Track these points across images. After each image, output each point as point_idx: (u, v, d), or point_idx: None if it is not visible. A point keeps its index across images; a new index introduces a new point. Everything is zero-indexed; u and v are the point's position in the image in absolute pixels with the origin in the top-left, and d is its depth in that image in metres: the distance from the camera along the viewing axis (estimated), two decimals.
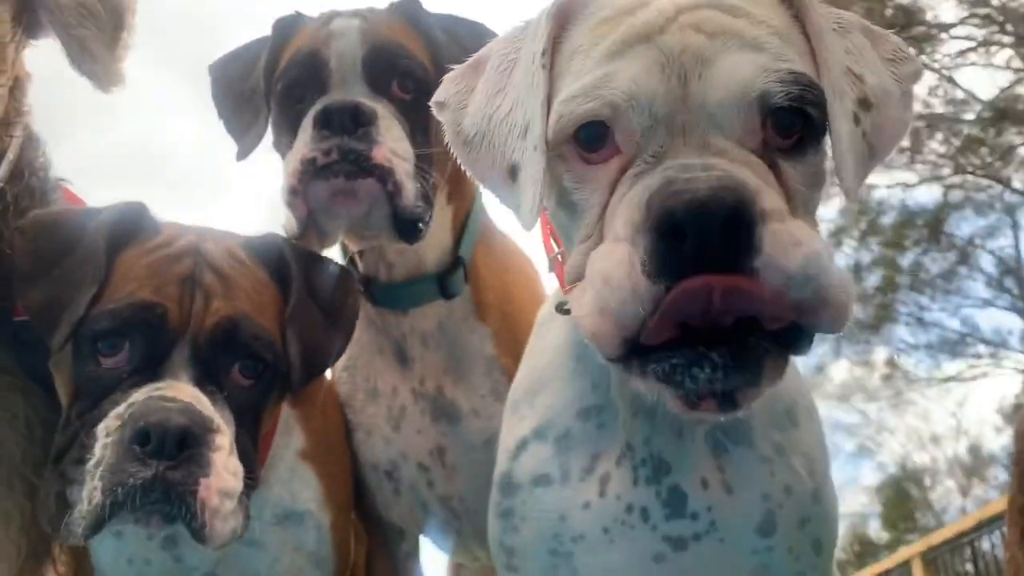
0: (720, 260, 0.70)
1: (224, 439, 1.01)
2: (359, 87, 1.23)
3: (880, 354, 24.26)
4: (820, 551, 1.02)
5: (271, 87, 1.31)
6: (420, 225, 1.22)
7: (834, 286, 0.73)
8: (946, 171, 18.09)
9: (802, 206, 0.81)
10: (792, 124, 0.81)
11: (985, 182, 17.97)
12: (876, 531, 24.11)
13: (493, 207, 1.44)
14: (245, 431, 1.07)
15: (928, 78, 16.88)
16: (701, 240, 0.70)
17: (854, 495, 26.30)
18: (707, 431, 0.97)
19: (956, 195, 18.59)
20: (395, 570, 1.43)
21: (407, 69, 1.26)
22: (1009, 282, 23.42)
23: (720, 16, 0.81)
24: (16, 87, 1.21)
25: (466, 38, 1.32)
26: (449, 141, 0.95)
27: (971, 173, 17.69)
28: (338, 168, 1.16)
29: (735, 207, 0.70)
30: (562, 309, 0.95)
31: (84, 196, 1.41)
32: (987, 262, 24.55)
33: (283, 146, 1.28)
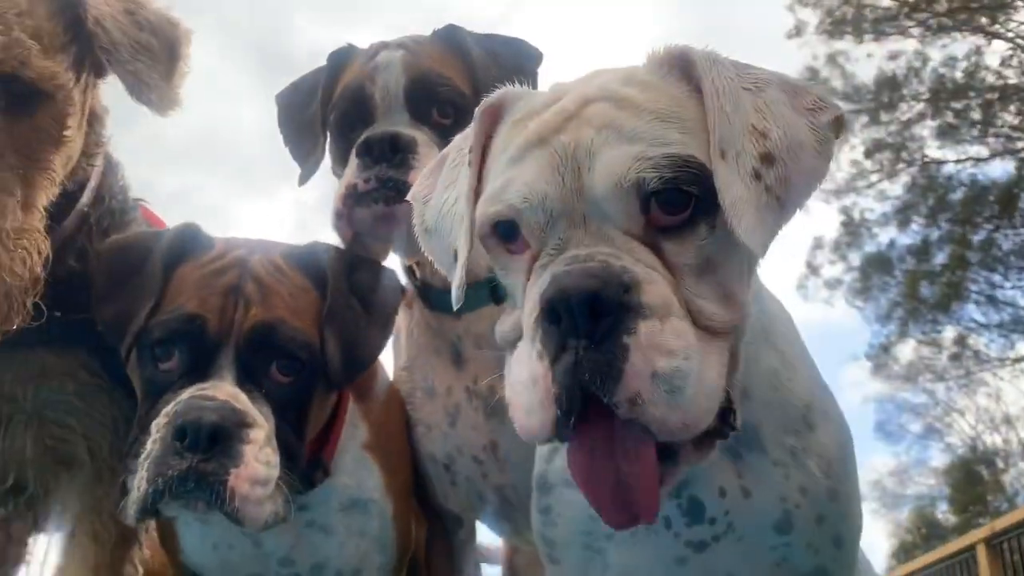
0: (595, 340, 0.79)
1: (258, 432, 1.11)
2: (401, 117, 1.33)
3: (948, 333, 23.64)
4: (840, 545, 1.09)
5: (327, 117, 1.41)
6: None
7: (683, 402, 0.80)
8: (1020, 144, 17.54)
9: (698, 273, 0.86)
10: (677, 202, 0.86)
11: None
12: (944, 513, 23.64)
13: None
14: (288, 424, 1.17)
15: (1000, 47, 16.34)
16: (572, 321, 0.80)
17: (922, 477, 25.75)
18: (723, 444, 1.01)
19: None
20: (453, 554, 1.53)
21: (446, 97, 1.36)
22: None
23: (608, 109, 0.88)
24: (95, 121, 1.33)
25: (505, 57, 1.40)
26: (416, 234, 1.05)
27: None
28: (377, 195, 1.27)
29: (597, 292, 0.79)
30: None
31: (152, 182, 1.54)
32: None
33: (338, 172, 1.39)
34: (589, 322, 0.79)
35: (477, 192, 0.96)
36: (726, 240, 0.87)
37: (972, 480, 22.04)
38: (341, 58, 1.45)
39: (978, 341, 23.47)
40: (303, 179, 1.45)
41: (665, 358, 0.79)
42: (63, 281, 1.28)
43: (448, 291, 1.39)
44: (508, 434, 1.41)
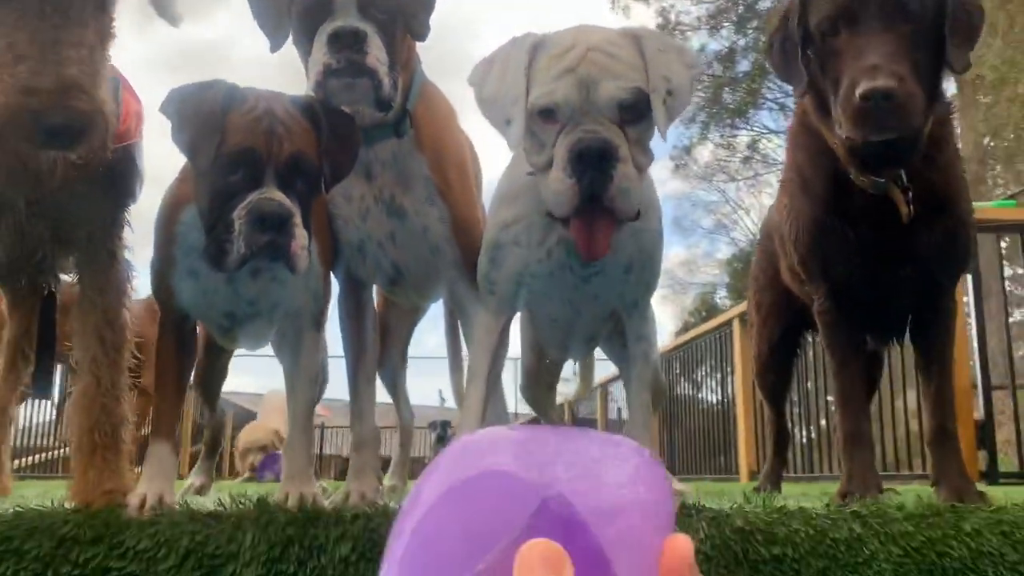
0: (599, 171, 1.54)
1: (298, 219, 1.72)
2: (354, 12, 1.79)
3: (743, 138, 25.45)
4: (648, 288, 1.97)
5: (292, 4, 1.85)
6: (391, 103, 1.87)
7: (633, 203, 1.59)
8: None
9: (638, 144, 1.60)
10: (634, 109, 1.59)
11: None
12: (721, 299, 26.43)
13: (429, 72, 2.10)
14: (303, 216, 1.75)
15: None
16: (590, 162, 1.54)
17: (708, 267, 28.35)
18: None
19: None
20: (359, 306, 2.20)
21: (385, 0, 1.83)
22: None
23: (603, 57, 1.58)
24: None
25: None
26: (475, 98, 1.75)
27: None
28: (344, 71, 1.77)
29: (603, 149, 1.53)
30: (529, 174, 1.73)
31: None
32: None
33: (301, 47, 1.86)
34: (599, 163, 1.53)
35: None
36: (649, 127, 1.63)
37: (748, 270, 24.56)
38: None
39: (768, 146, 25.49)
40: (274, 48, 1.89)
41: (626, 181, 1.54)
42: None
43: (364, 129, 1.99)
44: (403, 228, 2.04)
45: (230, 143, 1.71)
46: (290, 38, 1.91)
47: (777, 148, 25.38)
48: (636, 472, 0.56)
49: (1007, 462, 5.10)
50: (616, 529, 0.52)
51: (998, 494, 2.19)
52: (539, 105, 1.59)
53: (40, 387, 2.31)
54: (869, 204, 2.08)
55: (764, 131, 24.99)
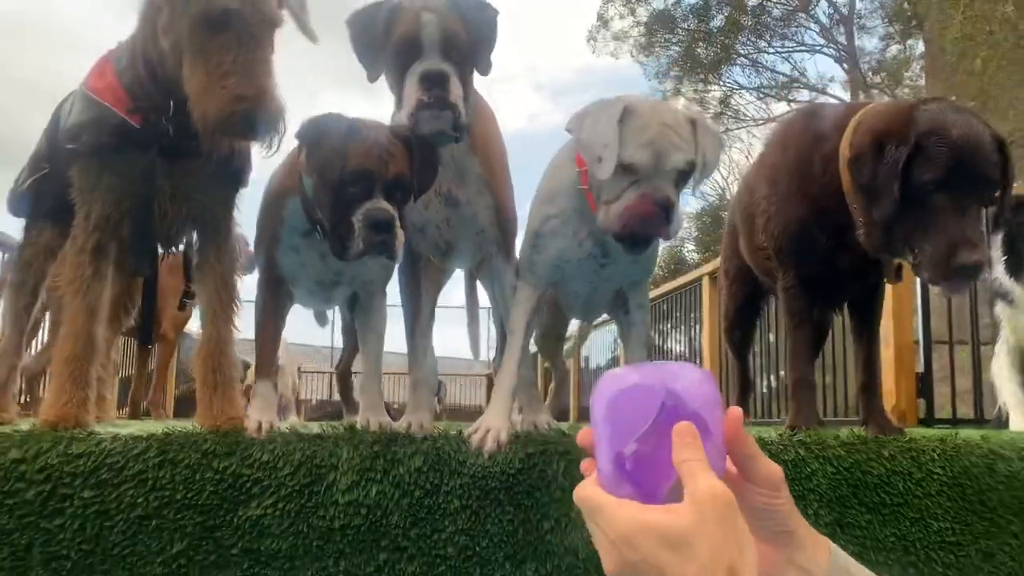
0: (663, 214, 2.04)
1: (398, 223, 2.18)
2: (438, 56, 2.21)
3: (715, 93, 25.72)
4: (649, 271, 2.51)
5: (387, 45, 2.25)
6: (466, 127, 2.28)
7: (676, 230, 2.08)
8: None
9: (677, 193, 2.06)
10: (685, 172, 2.05)
11: None
12: (689, 252, 26.99)
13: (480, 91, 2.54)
14: (400, 219, 2.20)
15: None
16: (660, 209, 2.02)
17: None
18: None
19: None
20: (417, 274, 2.68)
21: (461, 46, 2.23)
22: (838, 32, 24.99)
23: (672, 133, 2.02)
24: None
25: (483, 17, 2.31)
26: (575, 139, 2.19)
27: None
28: (433, 105, 2.19)
29: (666, 202, 2.01)
30: (581, 188, 2.24)
31: None
32: (823, 11, 25.64)
33: (392, 77, 2.29)
34: (664, 211, 2.02)
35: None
36: (683, 186, 2.11)
37: (717, 224, 25.10)
38: (395, 11, 2.25)
39: (739, 102, 25.85)
40: (372, 79, 2.30)
41: (675, 216, 2.04)
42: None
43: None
44: (457, 215, 2.40)
45: (351, 164, 2.18)
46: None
47: (748, 104, 25.71)
48: (702, 376, 0.93)
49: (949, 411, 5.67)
50: (701, 404, 0.94)
51: (916, 434, 2.79)
52: (626, 162, 2.03)
53: (143, 336, 2.83)
54: (855, 249, 2.58)
55: (736, 87, 25.34)
